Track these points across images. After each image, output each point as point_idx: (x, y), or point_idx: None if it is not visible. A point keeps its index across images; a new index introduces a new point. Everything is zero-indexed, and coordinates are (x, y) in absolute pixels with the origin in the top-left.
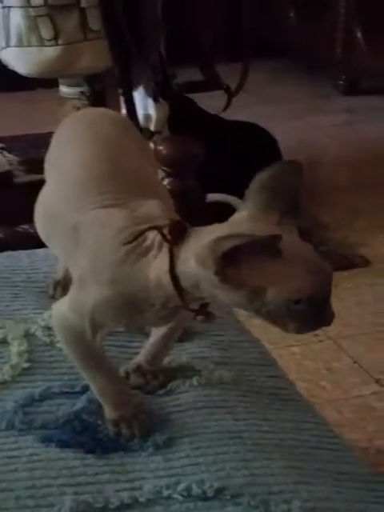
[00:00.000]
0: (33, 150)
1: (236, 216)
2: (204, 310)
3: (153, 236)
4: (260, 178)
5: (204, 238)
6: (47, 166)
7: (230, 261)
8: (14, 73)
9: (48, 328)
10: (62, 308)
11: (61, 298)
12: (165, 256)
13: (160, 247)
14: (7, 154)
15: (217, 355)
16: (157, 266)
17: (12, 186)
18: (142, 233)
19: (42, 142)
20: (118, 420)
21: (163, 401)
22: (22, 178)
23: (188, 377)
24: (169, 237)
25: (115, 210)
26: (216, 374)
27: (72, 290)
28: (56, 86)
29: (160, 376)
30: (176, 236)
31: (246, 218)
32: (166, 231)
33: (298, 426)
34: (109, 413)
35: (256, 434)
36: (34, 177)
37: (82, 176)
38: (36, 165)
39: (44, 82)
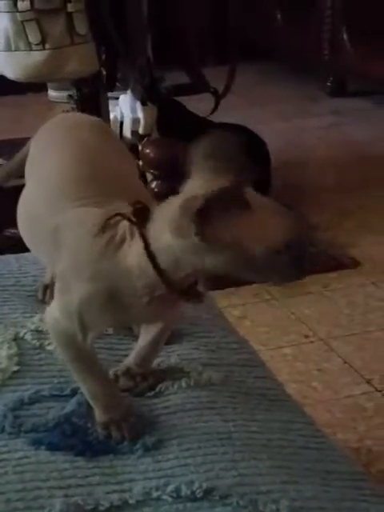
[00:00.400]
0: None
1: (189, 185)
2: (192, 291)
3: (124, 226)
4: (202, 146)
5: (169, 209)
6: (27, 169)
7: (205, 219)
8: (3, 77)
9: (37, 331)
10: (53, 311)
11: (52, 302)
12: (137, 240)
13: (132, 235)
14: None
15: (205, 356)
16: (133, 253)
17: (2, 190)
18: (108, 220)
19: None
20: (108, 422)
21: (152, 402)
22: (13, 181)
23: (177, 378)
24: (134, 220)
25: (92, 208)
26: (204, 376)
27: (57, 293)
28: (46, 91)
29: (149, 378)
30: (141, 218)
31: (199, 184)
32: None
33: (286, 427)
34: (99, 415)
35: (244, 435)
36: (23, 181)
37: (61, 179)
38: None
39: (34, 86)
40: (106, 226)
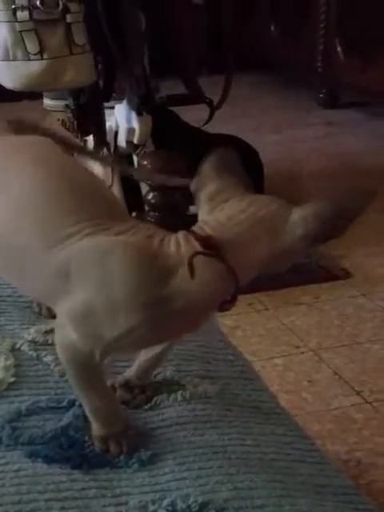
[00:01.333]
0: None
1: (209, 200)
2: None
3: (173, 248)
4: (212, 163)
5: (252, 228)
6: None
7: None
8: None
9: (34, 342)
10: (69, 334)
11: (59, 321)
12: (212, 263)
13: (181, 255)
14: None
15: (201, 369)
16: (207, 273)
17: None
18: (191, 258)
19: None
20: (107, 437)
21: (148, 415)
22: None
23: (173, 391)
24: (212, 252)
25: (109, 237)
26: (200, 389)
27: (74, 320)
28: (42, 98)
29: (147, 390)
30: (211, 245)
31: (221, 198)
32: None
33: (281, 440)
34: (98, 429)
35: (239, 448)
36: None
37: (44, 206)
38: None
39: (29, 94)
40: (157, 254)
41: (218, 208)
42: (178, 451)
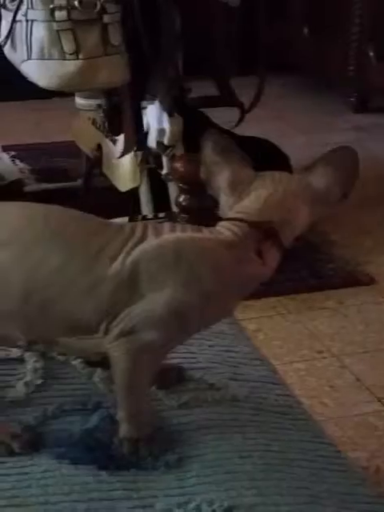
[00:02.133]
0: (45, 159)
1: (224, 175)
2: None
3: (233, 237)
4: (213, 150)
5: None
6: None
7: None
8: (27, 81)
9: None
10: (144, 337)
11: (128, 327)
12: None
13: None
14: (19, 163)
15: (228, 371)
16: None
17: (23, 195)
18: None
19: (54, 151)
20: (137, 439)
21: (175, 415)
22: (33, 186)
23: (201, 390)
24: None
25: (170, 235)
26: (229, 391)
27: (159, 321)
28: (71, 96)
29: (173, 371)
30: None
31: (231, 172)
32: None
33: (306, 447)
34: (128, 431)
35: (266, 454)
36: (45, 185)
37: (61, 237)
38: (47, 174)
39: (60, 92)
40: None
41: (245, 193)
42: (205, 455)
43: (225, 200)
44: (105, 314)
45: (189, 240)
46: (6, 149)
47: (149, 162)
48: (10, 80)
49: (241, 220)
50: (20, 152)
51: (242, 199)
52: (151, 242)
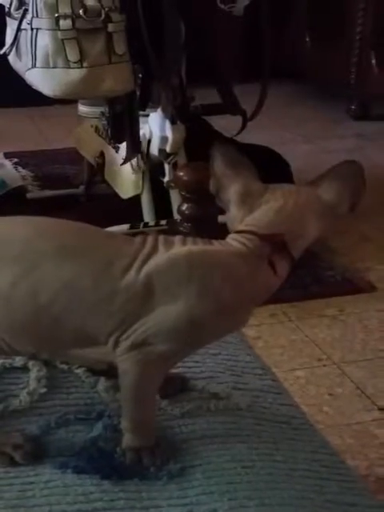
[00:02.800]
0: (47, 166)
1: (234, 189)
2: None
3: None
4: (222, 162)
5: (294, 209)
6: None
7: None
8: (30, 88)
9: None
10: (156, 349)
11: (140, 339)
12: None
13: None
14: (21, 169)
15: (232, 381)
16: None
17: (25, 202)
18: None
19: (56, 158)
20: (140, 448)
21: (178, 424)
22: (36, 193)
23: (205, 399)
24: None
25: (181, 248)
26: (232, 400)
27: (173, 333)
28: (73, 103)
29: (176, 381)
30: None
31: (241, 185)
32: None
33: (309, 457)
34: (131, 440)
35: (268, 464)
36: (47, 192)
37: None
38: (49, 180)
39: (62, 99)
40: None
41: (255, 206)
42: (207, 464)
43: (235, 213)
44: (115, 327)
45: (201, 252)
46: (8, 156)
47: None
48: (11, 86)
49: (251, 232)
50: (22, 159)
51: (253, 212)
52: (163, 254)
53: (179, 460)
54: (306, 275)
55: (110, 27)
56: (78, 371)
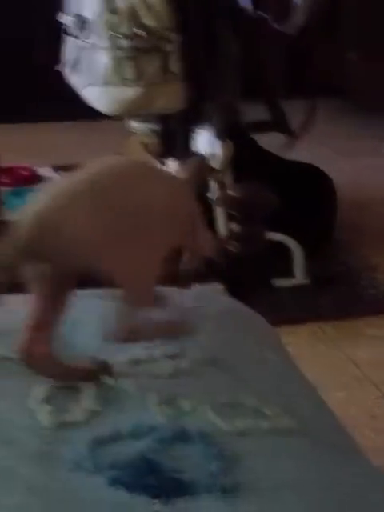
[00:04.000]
0: None
1: None
2: None
3: None
4: None
5: None
6: None
7: None
8: (77, 101)
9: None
10: None
11: None
12: None
13: None
14: None
15: (281, 401)
16: None
17: None
18: None
19: None
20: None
21: (234, 440)
22: None
23: (259, 418)
24: None
25: None
26: (285, 421)
27: None
28: (122, 118)
29: None
30: None
31: None
32: None
33: (358, 482)
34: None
35: (317, 486)
36: None
37: None
38: None
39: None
40: None
41: None
42: (257, 482)
43: None
44: None
45: None
46: (56, 169)
47: None
48: (61, 100)
49: None
50: (69, 172)
51: None
52: None
53: (230, 476)
54: (347, 293)
55: (168, 47)
56: (128, 387)
